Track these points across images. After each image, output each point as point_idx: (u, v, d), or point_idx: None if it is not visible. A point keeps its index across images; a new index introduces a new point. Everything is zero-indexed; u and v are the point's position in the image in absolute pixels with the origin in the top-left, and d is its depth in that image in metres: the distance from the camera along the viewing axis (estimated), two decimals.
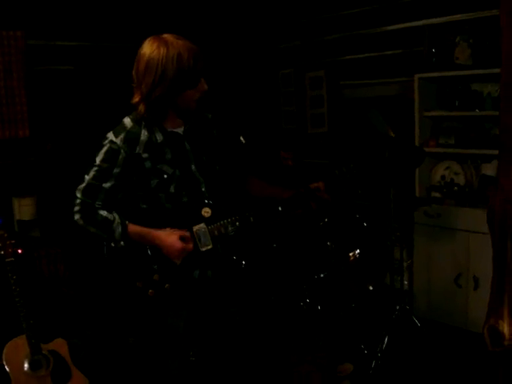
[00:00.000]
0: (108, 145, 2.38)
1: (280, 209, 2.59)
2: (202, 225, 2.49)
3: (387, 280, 4.39)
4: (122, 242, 2.40)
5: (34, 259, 4.61)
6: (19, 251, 3.35)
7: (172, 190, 2.44)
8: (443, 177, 4.77)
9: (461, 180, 4.67)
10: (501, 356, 1.69)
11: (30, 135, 4.90)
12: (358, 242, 3.84)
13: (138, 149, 2.39)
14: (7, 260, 3.14)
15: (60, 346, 3.27)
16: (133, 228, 2.41)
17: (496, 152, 1.79)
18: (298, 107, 6.17)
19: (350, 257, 3.76)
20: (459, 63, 4.51)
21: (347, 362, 3.76)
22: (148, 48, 2.31)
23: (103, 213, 2.39)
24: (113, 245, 2.41)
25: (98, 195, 2.39)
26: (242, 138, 2.72)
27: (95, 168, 2.39)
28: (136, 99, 2.38)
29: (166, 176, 2.42)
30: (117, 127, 2.42)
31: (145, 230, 2.42)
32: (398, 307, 4.10)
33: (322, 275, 3.70)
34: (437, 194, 4.75)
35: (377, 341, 3.91)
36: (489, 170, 4.51)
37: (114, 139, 2.38)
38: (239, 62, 5.98)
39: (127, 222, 2.41)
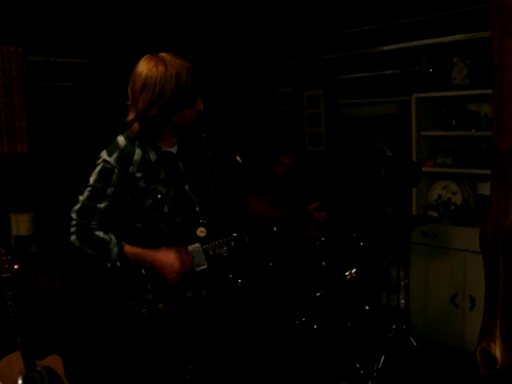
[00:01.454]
0: (101, 164, 2.37)
1: (275, 229, 2.59)
2: (197, 245, 2.48)
3: (383, 299, 4.38)
4: (118, 263, 2.38)
5: (30, 275, 4.60)
6: (15, 267, 3.34)
7: (166, 209, 2.43)
8: (440, 196, 4.78)
9: (458, 199, 4.69)
10: (493, 379, 1.69)
11: (28, 151, 4.90)
12: (355, 261, 3.84)
13: (131, 168, 2.37)
14: (3, 275, 3.14)
15: (55, 362, 3.26)
16: (129, 249, 2.40)
17: None
18: (296, 125, 6.19)
19: (346, 276, 3.76)
20: (456, 83, 4.54)
21: (343, 381, 3.74)
22: (145, 66, 2.30)
23: (99, 233, 2.38)
24: (109, 265, 2.39)
25: (93, 215, 2.38)
26: (238, 158, 2.73)
27: (89, 188, 2.38)
28: (131, 117, 2.36)
29: (159, 196, 2.41)
30: (110, 146, 2.42)
31: (141, 250, 2.41)
32: (394, 326, 4.08)
33: (318, 294, 3.69)
34: (434, 213, 4.76)
35: (373, 360, 3.89)
36: (486, 189, 4.53)
37: (107, 158, 2.37)
38: (238, 80, 6.01)
39: (123, 243, 2.40)
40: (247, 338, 3.65)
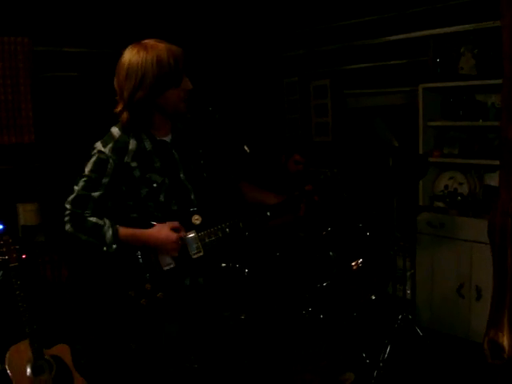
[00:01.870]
0: (96, 155, 2.39)
1: (269, 214, 2.60)
2: (193, 232, 2.49)
3: (390, 289, 4.39)
4: (114, 246, 2.39)
5: (37, 264, 4.63)
6: (23, 256, 3.36)
7: (162, 198, 2.45)
8: (447, 186, 4.77)
9: (464, 190, 4.67)
10: (501, 369, 1.69)
11: (35, 141, 4.92)
12: (361, 251, 3.84)
13: (126, 158, 2.39)
14: (11, 265, 3.16)
15: (62, 351, 3.28)
16: (124, 230, 2.41)
17: (499, 162, 1.80)
18: (303, 116, 6.18)
19: (352, 266, 3.77)
20: (463, 73, 4.52)
21: (349, 371, 3.75)
22: (127, 55, 2.33)
23: (93, 219, 2.39)
24: (104, 249, 2.39)
25: (87, 205, 2.40)
26: (246, 147, 2.73)
27: (84, 178, 2.40)
28: (119, 108, 2.39)
29: (155, 185, 2.43)
30: (105, 137, 2.43)
31: (136, 230, 2.42)
32: (400, 316, 4.10)
33: (324, 284, 3.70)
34: (440, 204, 4.75)
35: (379, 350, 3.90)
36: (492, 180, 4.51)
37: (102, 149, 2.39)
38: (244, 71, 6.00)
39: (118, 226, 2.41)
40: (253, 328, 3.65)
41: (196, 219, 2.50)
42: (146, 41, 2.36)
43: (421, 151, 4.75)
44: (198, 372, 2.78)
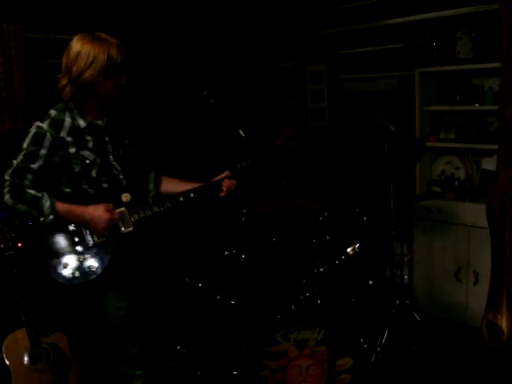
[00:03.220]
0: (35, 130, 2.58)
1: (192, 195, 2.87)
2: (123, 209, 2.70)
3: (387, 274, 4.39)
4: (50, 216, 2.57)
5: (34, 252, 4.60)
6: (19, 245, 3.35)
7: (93, 174, 2.67)
8: (443, 171, 4.77)
9: (461, 174, 4.67)
10: (499, 351, 1.69)
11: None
12: (358, 237, 3.83)
13: (62, 133, 2.59)
14: (7, 254, 3.14)
15: (60, 339, 3.28)
16: (60, 204, 2.59)
17: (497, 147, 1.79)
18: (299, 101, 6.15)
19: (349, 251, 3.76)
20: (460, 57, 4.50)
21: (347, 355, 3.75)
22: (81, 40, 2.57)
23: (31, 191, 2.57)
24: (42, 219, 2.57)
25: (25, 175, 2.57)
26: (241, 132, 2.76)
27: (23, 152, 2.58)
28: (63, 82, 2.59)
29: (88, 161, 2.64)
30: (42, 117, 2.62)
31: (72, 205, 2.61)
32: (397, 301, 4.10)
33: (321, 269, 3.69)
34: (437, 189, 4.75)
35: (376, 335, 3.91)
36: (489, 164, 4.51)
37: (40, 124, 2.59)
38: (240, 55, 5.96)
39: (55, 200, 2.58)
40: (250, 314, 3.66)
41: (125, 197, 2.72)
42: (98, 33, 2.62)
43: (417, 136, 4.73)
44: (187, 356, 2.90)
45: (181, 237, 4.33)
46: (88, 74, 2.53)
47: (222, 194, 2.96)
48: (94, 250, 2.66)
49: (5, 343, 3.13)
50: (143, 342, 2.97)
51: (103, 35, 2.61)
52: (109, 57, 2.55)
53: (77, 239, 2.66)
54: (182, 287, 3.81)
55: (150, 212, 2.74)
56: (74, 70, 2.54)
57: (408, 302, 4.17)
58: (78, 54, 2.53)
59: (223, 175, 2.99)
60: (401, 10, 4.98)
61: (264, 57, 6.19)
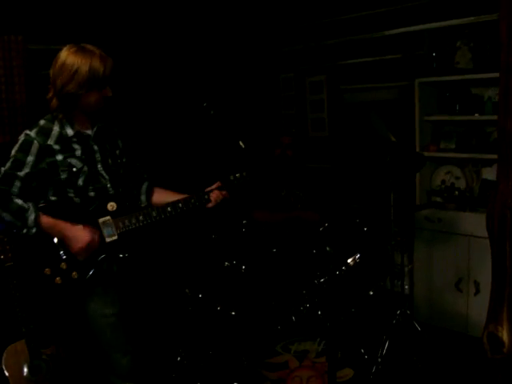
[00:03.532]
0: (23, 137, 2.63)
1: (180, 205, 2.87)
2: (108, 217, 2.72)
3: (388, 284, 4.38)
4: (33, 230, 2.58)
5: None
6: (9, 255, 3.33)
7: (80, 182, 2.68)
8: (444, 181, 4.77)
9: (461, 184, 4.67)
10: (500, 363, 1.68)
11: None
12: (359, 247, 3.82)
13: (49, 141, 2.62)
14: (7, 265, 3.14)
15: (59, 350, 3.26)
16: (44, 218, 2.60)
17: (497, 156, 1.79)
18: (299, 111, 6.16)
19: (350, 261, 3.75)
20: (460, 67, 4.51)
21: (347, 366, 3.74)
22: (66, 51, 2.61)
23: (18, 201, 2.58)
24: (25, 231, 2.58)
25: (13, 183, 2.59)
26: (241, 143, 2.76)
27: (11, 159, 2.61)
28: (50, 94, 2.66)
29: (75, 169, 2.66)
30: (32, 126, 2.68)
31: (55, 220, 2.62)
32: (398, 312, 4.08)
33: (322, 280, 3.68)
34: (437, 199, 4.74)
35: (377, 345, 3.89)
36: (489, 174, 4.51)
37: (28, 132, 2.63)
38: (240, 66, 5.97)
39: (40, 213, 2.60)
40: (250, 324, 3.64)
41: (111, 206, 2.73)
42: (84, 44, 2.65)
43: (417, 146, 4.74)
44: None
45: (181, 247, 4.32)
46: (70, 86, 2.57)
47: (210, 205, 2.96)
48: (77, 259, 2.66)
49: (4, 355, 3.12)
50: (135, 353, 2.95)
51: (88, 46, 2.64)
52: (91, 69, 2.57)
53: (60, 246, 2.64)
54: (182, 298, 3.80)
55: (135, 221, 2.75)
56: (59, 81, 2.59)
57: (409, 312, 4.15)
58: (63, 65, 2.58)
59: (214, 186, 3.00)
60: (400, 20, 5.00)
61: (264, 67, 6.20)
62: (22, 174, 2.58)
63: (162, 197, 3.02)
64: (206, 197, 2.95)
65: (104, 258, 2.71)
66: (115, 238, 2.71)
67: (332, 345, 3.46)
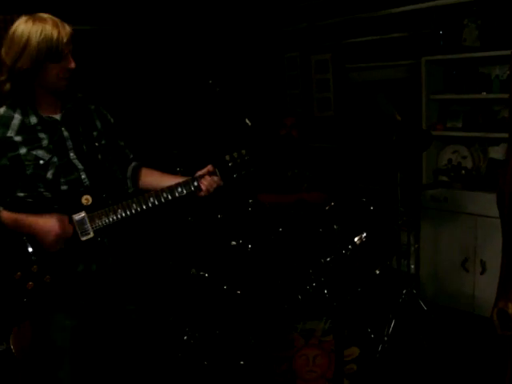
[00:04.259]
0: None
1: (165, 195, 2.47)
2: (82, 213, 2.36)
3: (394, 264, 4.38)
4: None
5: None
6: None
7: (49, 176, 2.33)
8: (450, 160, 4.74)
9: (468, 163, 4.64)
10: (510, 340, 1.68)
11: None
12: (365, 226, 3.82)
13: (10, 132, 2.29)
14: None
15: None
16: (6, 214, 2.30)
17: (504, 135, 1.77)
18: (304, 91, 6.13)
19: (356, 240, 3.75)
20: (467, 45, 4.46)
21: (354, 345, 3.75)
22: (16, 23, 2.26)
23: None
24: None
25: None
26: (247, 121, 2.70)
27: None
28: (2, 77, 2.28)
29: (42, 162, 2.32)
30: None
31: (20, 215, 2.30)
32: (404, 291, 4.09)
33: (328, 259, 3.68)
34: (444, 178, 4.72)
35: (383, 325, 3.90)
36: (496, 153, 4.48)
37: None
38: (245, 45, 5.93)
39: (1, 208, 2.30)
40: (257, 304, 3.65)
41: (86, 199, 2.38)
42: (39, 13, 2.29)
43: (424, 125, 4.71)
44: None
45: (187, 227, 4.31)
46: (22, 61, 2.21)
47: (202, 194, 2.54)
48: (50, 261, 2.34)
49: (12, 334, 3.13)
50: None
51: (42, 15, 2.27)
52: (42, 37, 2.20)
53: (31, 247, 2.32)
54: (188, 278, 3.81)
55: (114, 216, 2.39)
56: (8, 61, 2.24)
57: (415, 291, 4.16)
58: (12, 38, 2.23)
59: (204, 170, 2.56)
60: None
61: (268, 46, 6.16)
62: None
63: (150, 179, 2.67)
64: (196, 184, 2.52)
65: (79, 258, 2.39)
66: (91, 236, 2.36)
67: (338, 324, 3.48)
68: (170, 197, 2.47)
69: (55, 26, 2.24)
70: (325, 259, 3.67)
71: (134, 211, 2.41)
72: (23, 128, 2.30)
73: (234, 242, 3.72)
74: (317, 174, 4.55)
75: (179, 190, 2.49)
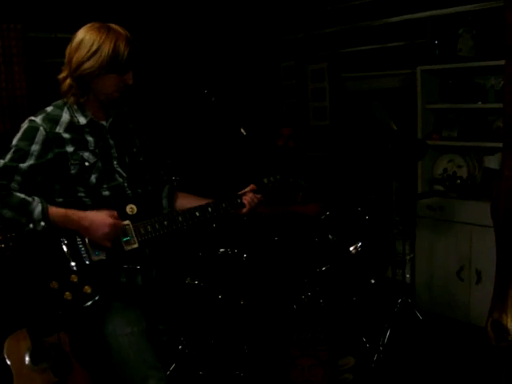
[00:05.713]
0: (27, 124, 2.29)
1: (210, 210, 2.49)
2: (127, 222, 2.32)
3: (389, 273, 4.38)
4: (42, 223, 2.20)
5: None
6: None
7: (93, 180, 2.31)
8: (445, 170, 4.75)
9: (463, 173, 4.65)
10: (504, 351, 1.67)
11: None
12: (360, 235, 3.83)
13: (58, 128, 2.28)
14: (8, 253, 3.12)
15: (62, 339, 3.26)
16: (55, 209, 2.24)
17: (499, 145, 1.78)
18: (300, 100, 6.14)
19: (351, 250, 3.75)
20: (462, 55, 4.48)
21: (349, 355, 3.75)
22: (87, 29, 2.30)
23: (20, 195, 2.22)
24: (31, 226, 2.19)
25: (13, 176, 2.22)
26: (242, 130, 2.71)
27: (12, 149, 2.25)
28: (63, 74, 2.32)
29: (87, 164, 2.30)
30: (37, 112, 2.34)
31: (68, 210, 2.25)
32: (399, 300, 4.09)
33: (323, 268, 3.68)
34: (439, 187, 4.73)
35: (379, 334, 3.90)
36: (492, 162, 4.49)
37: (33, 118, 2.29)
38: (241, 54, 5.95)
39: (48, 205, 2.24)
40: (251, 313, 3.65)
41: (130, 209, 2.34)
42: (109, 24, 2.34)
43: (419, 134, 4.72)
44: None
45: (183, 236, 4.30)
46: (88, 64, 2.24)
47: (244, 210, 2.58)
48: (91, 270, 2.26)
49: (6, 343, 3.11)
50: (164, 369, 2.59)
51: (114, 26, 2.32)
52: (115, 48, 2.24)
53: (71, 256, 2.26)
54: (183, 287, 3.80)
55: (158, 227, 2.35)
56: (75, 59, 2.25)
57: (410, 300, 4.16)
58: (81, 42, 2.25)
59: (247, 189, 2.63)
60: (402, 7, 4.96)
61: (264, 56, 6.17)
62: (24, 166, 2.22)
63: (185, 202, 2.62)
64: (239, 201, 2.57)
65: (122, 269, 2.33)
66: (136, 246, 2.31)
67: (334, 333, 3.47)
68: (215, 212, 2.50)
69: (127, 40, 2.29)
70: (320, 269, 3.67)
71: (179, 225, 2.40)
72: (72, 127, 2.30)
73: (229, 251, 3.71)
74: (312, 183, 4.55)
75: (223, 205, 2.53)
